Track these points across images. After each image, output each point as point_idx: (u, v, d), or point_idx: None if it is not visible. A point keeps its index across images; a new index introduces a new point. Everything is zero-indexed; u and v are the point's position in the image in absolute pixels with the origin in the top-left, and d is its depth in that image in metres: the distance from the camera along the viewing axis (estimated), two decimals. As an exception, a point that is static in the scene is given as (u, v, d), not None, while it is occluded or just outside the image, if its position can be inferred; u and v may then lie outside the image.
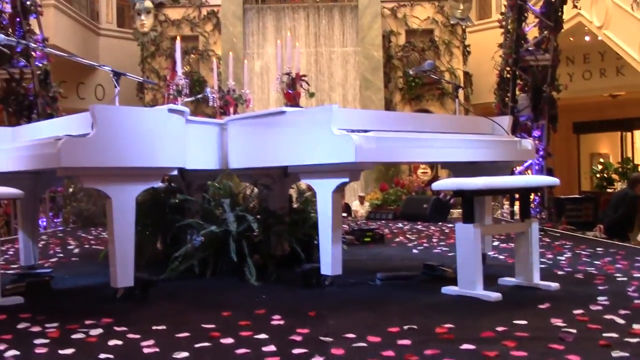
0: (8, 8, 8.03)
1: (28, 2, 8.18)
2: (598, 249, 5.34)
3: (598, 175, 16.01)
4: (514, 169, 8.03)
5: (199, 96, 5.78)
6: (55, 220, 8.58)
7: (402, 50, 14.53)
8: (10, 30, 8.04)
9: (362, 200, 12.38)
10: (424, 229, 7.68)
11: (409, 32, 14.67)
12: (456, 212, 9.95)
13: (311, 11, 14.52)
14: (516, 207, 8.49)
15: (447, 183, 3.39)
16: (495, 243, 5.68)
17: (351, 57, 14.39)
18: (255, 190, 4.49)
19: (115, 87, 3.52)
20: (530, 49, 8.36)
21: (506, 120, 4.39)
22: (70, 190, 8.94)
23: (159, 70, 14.41)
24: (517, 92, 8.52)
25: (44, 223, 8.23)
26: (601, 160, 17.41)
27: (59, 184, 5.47)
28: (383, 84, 14.11)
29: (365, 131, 3.48)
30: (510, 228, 4.28)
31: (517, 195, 4.76)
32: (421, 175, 13.62)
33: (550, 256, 4.86)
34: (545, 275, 3.80)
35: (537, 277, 3.50)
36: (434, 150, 3.68)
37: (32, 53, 8.06)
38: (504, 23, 8.97)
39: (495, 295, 3.17)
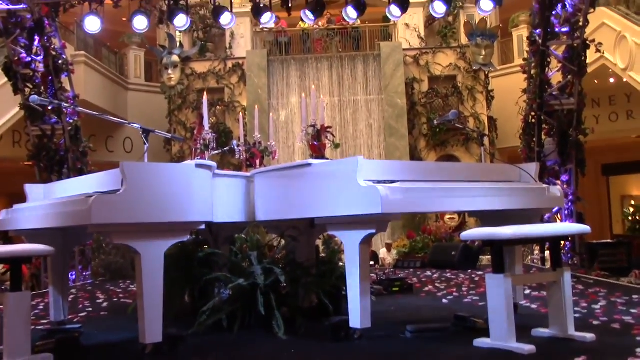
0: (41, 67, 8.33)
1: (60, 62, 8.48)
2: (634, 296, 5.16)
3: (630, 218, 15.71)
4: (543, 215, 7.91)
5: (226, 149, 5.86)
6: (84, 274, 8.66)
7: (426, 96, 14.65)
8: (42, 88, 8.32)
9: (389, 247, 12.30)
10: (453, 277, 7.56)
11: (432, 79, 14.82)
12: (485, 259, 9.80)
13: (335, 61, 14.79)
14: (547, 253, 8.34)
15: (475, 233, 3.37)
16: (527, 291, 5.56)
17: (375, 105, 14.54)
18: (282, 242, 4.50)
19: (145, 144, 3.61)
20: (554, 93, 8.35)
21: (533, 167, 4.37)
22: (100, 243, 9.05)
23: (186, 122, 14.73)
24: (543, 137, 8.48)
25: (73, 276, 8.32)
26: (632, 202, 17.09)
27: (88, 238, 5.55)
28: (407, 130, 14.19)
29: (392, 182, 3.49)
30: (542, 278, 4.20)
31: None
32: (448, 222, 13.52)
33: (584, 305, 4.73)
34: (580, 325, 3.70)
35: (572, 328, 3.41)
36: (462, 199, 3.67)
37: (64, 110, 8.31)
38: (527, 69, 9.01)
39: (528, 348, 3.09)
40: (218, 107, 14.82)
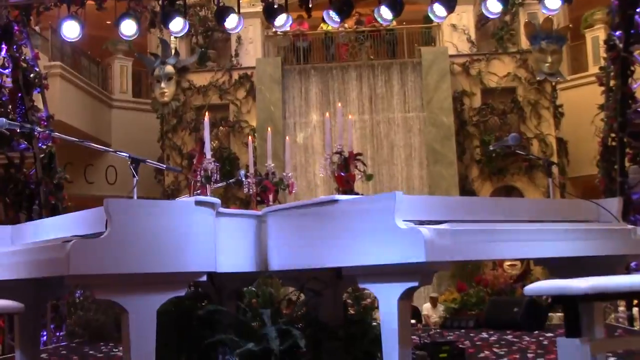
0: (8, 82, 8.50)
1: (31, 75, 8.67)
2: None
3: None
4: (629, 263, 7.82)
5: (231, 180, 5.94)
6: (57, 334, 8.70)
7: (478, 113, 14.68)
8: (10, 107, 8.49)
9: (434, 302, 12.20)
10: (515, 339, 7.48)
11: (485, 92, 14.87)
12: (556, 317, 9.66)
13: (365, 70, 14.95)
14: (636, 311, 8.20)
15: (543, 286, 3.35)
16: (612, 359, 5.47)
17: (415, 124, 14.62)
18: (302, 296, 4.50)
19: (134, 176, 3.67)
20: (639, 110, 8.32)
21: (615, 204, 4.34)
22: (76, 297, 9.11)
23: (182, 147, 14.93)
24: (627, 164, 8.41)
25: (44, 337, 8.36)
26: None
27: (65, 291, 5.61)
28: (456, 155, 14.20)
29: (438, 222, 3.50)
30: (631, 343, 4.14)
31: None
32: (509, 270, 13.37)
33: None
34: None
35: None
36: (525, 244, 3.66)
37: (36, 134, 8.45)
38: (604, 79, 8.99)
39: None
40: (221, 128, 15.02)
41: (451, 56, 14.78)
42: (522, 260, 13.42)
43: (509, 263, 13.59)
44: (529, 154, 9.14)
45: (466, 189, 14.21)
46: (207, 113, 5.71)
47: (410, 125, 14.67)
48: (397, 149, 14.58)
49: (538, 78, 14.56)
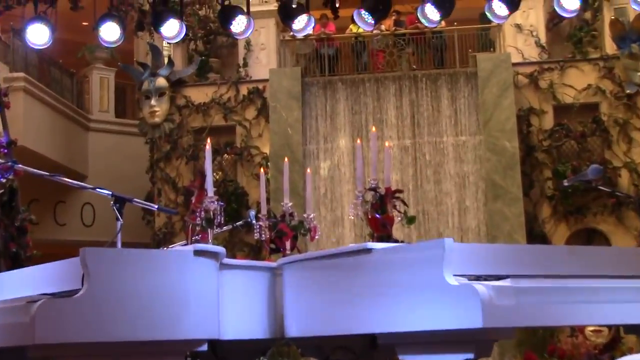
0: (-39, 100, 8.64)
1: (-10, 91, 8.78)
2: None
3: None
4: None
5: (239, 223, 5.98)
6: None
7: (550, 137, 14.63)
8: (-38, 131, 8.60)
9: (496, 378, 12.09)
10: None
11: (559, 109, 14.81)
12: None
13: (405, 83, 15.04)
14: None
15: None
16: None
17: (470, 151, 14.64)
18: (327, 371, 4.50)
19: (117, 219, 3.72)
20: None
21: None
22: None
23: (177, 179, 15.04)
24: None
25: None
26: None
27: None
28: (521, 190, 14.13)
29: (499, 277, 3.51)
30: None
31: None
32: (592, 337, 13.22)
33: None
34: None
35: None
36: (612, 306, 3.64)
37: (-6, 165, 8.54)
38: None
39: None
40: (226, 156, 15.12)
41: (515, 65, 14.75)
42: (608, 326, 13.26)
43: (592, 328, 13.43)
44: (616, 189, 9.06)
45: (535, 233, 14.09)
46: (208, 138, 5.79)
47: (464, 153, 14.65)
48: (446, 183, 14.55)
49: (628, 91, 14.44)
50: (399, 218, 4.64)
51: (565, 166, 14.12)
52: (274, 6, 11.22)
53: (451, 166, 14.63)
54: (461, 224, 14.26)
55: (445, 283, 3.47)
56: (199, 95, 15.41)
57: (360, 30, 14.53)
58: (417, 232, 13.56)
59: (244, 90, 15.37)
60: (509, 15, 8.55)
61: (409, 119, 14.86)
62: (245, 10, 8.61)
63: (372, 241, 4.28)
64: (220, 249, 3.91)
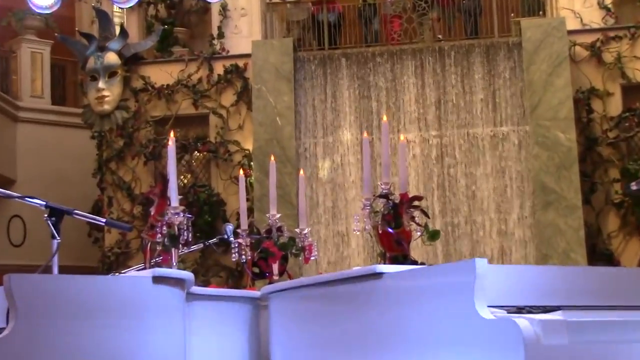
0: None
1: None
2: None
3: None
4: None
5: (212, 241, 5.99)
6: None
7: (617, 126, 14.60)
8: None
9: None
10: None
11: (629, 90, 14.76)
12: None
13: (428, 58, 15.01)
14: None
15: None
16: None
17: (512, 145, 14.61)
18: None
19: (54, 237, 3.74)
20: None
21: None
22: None
23: (132, 184, 15.05)
24: None
25: None
26: None
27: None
28: (580, 196, 14.12)
29: (547, 309, 3.52)
30: None
31: None
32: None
33: None
34: None
35: None
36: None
37: None
38: None
39: None
40: (197, 154, 15.15)
41: (571, 33, 14.70)
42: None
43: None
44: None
45: (598, 252, 14.09)
46: (173, 131, 5.79)
47: (504, 148, 14.62)
48: (481, 187, 14.53)
49: None
50: (419, 233, 4.67)
51: (637, 164, 14.04)
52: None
53: (488, 165, 14.60)
54: (501, 241, 14.25)
55: (477, 317, 3.47)
56: (160, 75, 15.45)
57: (370, -10, 14.61)
58: (442, 251, 13.56)
59: (219, 68, 15.42)
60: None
61: (433, 105, 14.83)
62: (220, -35, 8.62)
63: (383, 263, 4.31)
64: (188, 275, 3.93)
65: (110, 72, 15.05)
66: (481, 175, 14.57)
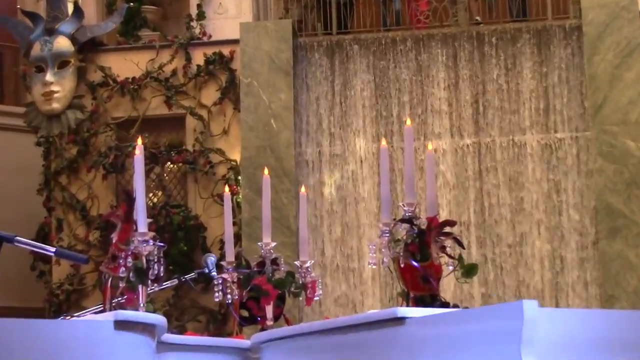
0: None
1: None
2: None
3: None
4: None
5: (190, 276, 6.01)
6: None
7: None
8: None
9: None
10: None
11: None
12: None
13: (463, 45, 15.00)
14: None
15: None
16: None
17: (569, 156, 14.60)
18: None
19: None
20: None
21: None
22: None
23: (88, 203, 15.05)
24: None
25: None
26: None
27: None
28: (661, 224, 14.14)
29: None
30: None
31: None
32: None
33: None
34: None
35: None
36: None
37: None
38: None
39: None
40: (171, 165, 15.16)
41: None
42: None
43: None
44: None
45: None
46: (140, 137, 5.81)
47: (559, 160, 14.62)
48: (530, 209, 14.52)
49: None
50: (451, 267, 4.68)
51: None
52: None
53: (538, 182, 14.60)
54: (555, 278, 14.24)
55: (524, 374, 3.49)
56: (125, 66, 15.50)
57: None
58: (480, 290, 13.57)
59: (198, 58, 15.49)
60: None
61: (469, 105, 14.85)
62: None
63: (406, 305, 4.33)
64: (159, 319, 3.95)
65: (61, 62, 15.10)
66: (530, 195, 14.56)
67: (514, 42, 14.97)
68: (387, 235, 4.82)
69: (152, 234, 4.90)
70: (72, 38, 15.05)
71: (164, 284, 5.43)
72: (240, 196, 13.51)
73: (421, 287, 4.52)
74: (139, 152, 5.00)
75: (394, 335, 3.97)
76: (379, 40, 15.16)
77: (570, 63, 14.78)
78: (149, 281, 4.90)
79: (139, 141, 5.17)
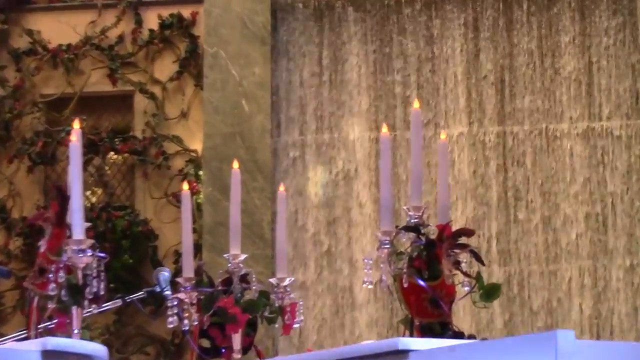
0: None
1: None
2: None
3: None
4: None
5: (138, 296, 6.05)
6: None
7: None
8: None
9: None
10: None
11: None
12: None
13: (486, 7, 15.01)
14: None
15: None
16: None
17: (618, 148, 14.62)
18: None
19: None
20: None
21: None
22: None
23: (8, 202, 15.06)
24: None
25: None
26: None
27: None
28: None
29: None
30: None
31: None
32: None
33: None
34: None
35: None
36: None
37: None
38: None
39: None
40: (114, 155, 15.17)
41: None
42: None
43: None
44: None
45: None
46: (77, 119, 5.80)
47: (605, 153, 14.65)
48: (567, 216, 14.57)
49: None
50: (466, 288, 4.71)
51: None
52: None
53: (578, 181, 14.63)
54: (597, 303, 14.27)
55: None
56: (58, 30, 15.53)
57: None
58: (503, 316, 13.60)
59: (151, 20, 15.53)
60: None
61: (492, 85, 14.89)
62: None
63: (410, 335, 4.36)
64: (97, 350, 3.97)
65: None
66: (567, 197, 14.60)
67: (550, 6, 14.98)
68: (388, 246, 4.84)
69: (90, 242, 4.91)
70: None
71: (105, 305, 5.44)
72: (202, 196, 13.50)
73: (429, 313, 4.55)
74: (75, 138, 5.01)
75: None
76: (380, 1, 15.17)
77: (620, 33, 14.82)
78: (86, 302, 4.91)
79: (76, 125, 5.17)
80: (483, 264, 4.85)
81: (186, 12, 15.11)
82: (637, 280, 14.26)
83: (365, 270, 4.96)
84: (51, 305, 4.78)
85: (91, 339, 4.53)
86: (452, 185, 13.53)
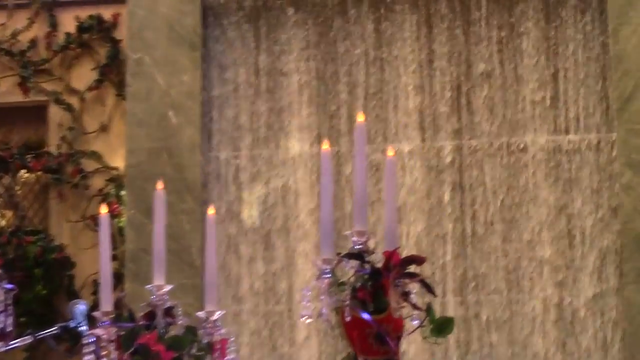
0: None
1: None
2: None
3: None
4: None
5: (51, 332, 6.01)
6: None
7: None
8: None
9: None
10: None
11: None
12: None
13: (439, 12, 15.06)
14: None
15: None
16: None
17: (585, 164, 14.66)
18: None
19: None
20: None
21: None
22: None
23: None
24: None
25: None
26: None
27: None
28: None
29: None
30: None
31: None
32: None
33: None
34: None
35: None
36: None
37: None
38: None
39: None
40: (25, 174, 15.13)
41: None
42: None
43: None
44: None
45: None
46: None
47: (572, 170, 14.67)
48: (529, 239, 14.58)
49: None
50: (416, 322, 4.68)
51: None
52: None
53: (542, 200, 14.67)
54: (562, 336, 14.29)
55: None
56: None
57: None
58: (457, 354, 13.58)
59: (68, 23, 15.53)
60: None
61: (448, 94, 14.92)
62: None
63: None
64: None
65: None
66: (529, 220, 14.64)
67: (511, 6, 15.03)
68: (328, 276, 4.80)
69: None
70: None
71: (13, 342, 5.40)
72: (124, 219, 13.46)
73: (374, 350, 4.53)
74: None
75: None
76: (324, 0, 15.18)
77: (588, 37, 14.89)
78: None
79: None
80: (434, 295, 4.82)
81: (107, 13, 15.12)
82: (604, 306, 14.27)
83: (304, 303, 4.93)
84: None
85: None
86: (401, 205, 13.51)
